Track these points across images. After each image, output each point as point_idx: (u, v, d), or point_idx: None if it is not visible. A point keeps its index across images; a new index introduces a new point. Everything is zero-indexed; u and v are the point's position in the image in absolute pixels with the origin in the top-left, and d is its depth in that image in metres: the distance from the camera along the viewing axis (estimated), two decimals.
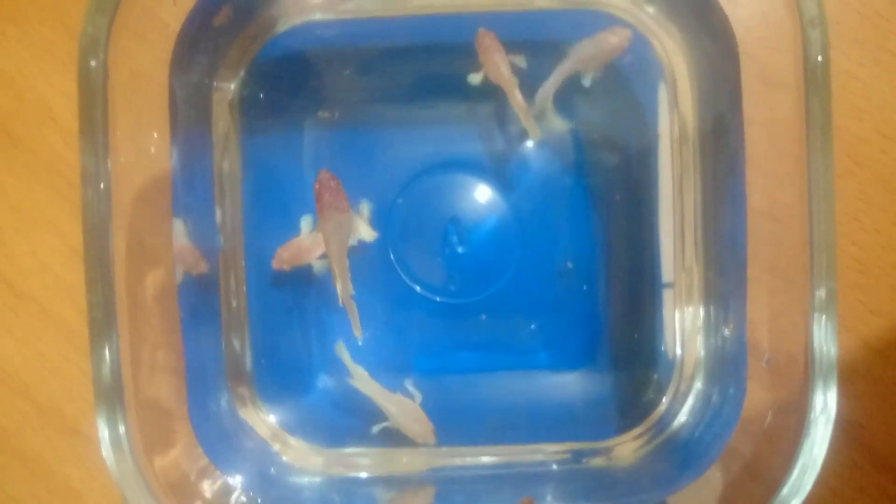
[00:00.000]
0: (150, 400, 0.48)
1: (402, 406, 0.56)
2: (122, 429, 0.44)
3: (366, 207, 0.57)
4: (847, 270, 0.57)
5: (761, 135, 0.50)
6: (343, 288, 0.53)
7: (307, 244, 0.56)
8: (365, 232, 0.56)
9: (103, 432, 0.44)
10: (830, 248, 0.43)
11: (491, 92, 0.57)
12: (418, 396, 0.57)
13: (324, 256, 0.56)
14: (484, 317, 0.59)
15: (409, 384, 0.57)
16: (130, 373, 0.46)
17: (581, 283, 0.59)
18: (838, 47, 0.57)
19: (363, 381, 0.56)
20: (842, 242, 0.57)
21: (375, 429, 0.57)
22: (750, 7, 0.50)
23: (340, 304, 0.54)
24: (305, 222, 0.57)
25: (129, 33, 0.44)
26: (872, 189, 0.57)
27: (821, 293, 0.43)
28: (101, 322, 0.43)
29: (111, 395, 0.43)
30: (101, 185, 0.43)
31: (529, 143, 0.59)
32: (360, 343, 0.56)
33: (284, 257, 0.55)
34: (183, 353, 0.51)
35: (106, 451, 0.44)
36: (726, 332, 0.53)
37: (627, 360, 0.58)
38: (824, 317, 0.43)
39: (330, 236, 0.52)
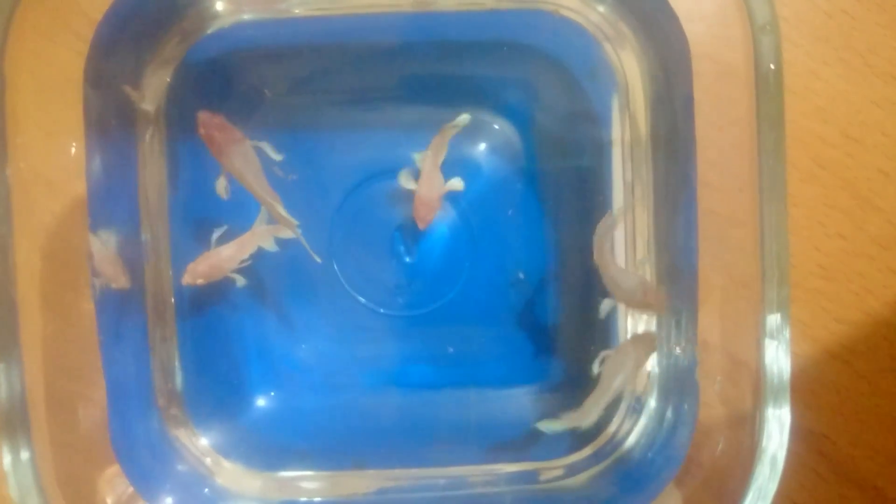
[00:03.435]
0: (65, 425, 0.45)
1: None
2: (25, 455, 0.40)
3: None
4: (810, 276, 0.56)
5: (718, 136, 0.48)
6: (282, 215, 0.50)
7: (226, 254, 0.53)
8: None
9: (6, 461, 0.40)
10: (783, 263, 0.42)
11: (441, 95, 0.55)
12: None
13: (244, 263, 0.53)
14: (451, 349, 0.58)
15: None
16: (42, 396, 0.42)
17: (533, 293, 0.57)
18: (801, 45, 0.55)
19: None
20: (805, 248, 0.56)
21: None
22: (701, 7, 0.47)
23: (289, 236, 0.52)
24: (217, 235, 0.54)
25: (35, 34, 0.41)
26: (837, 193, 0.56)
27: (772, 306, 0.42)
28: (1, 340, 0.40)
29: (14, 421, 0.40)
30: None
31: (481, 147, 0.57)
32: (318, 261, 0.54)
33: (200, 271, 0.52)
34: (103, 373, 0.48)
35: (11, 482, 0.40)
36: (679, 345, 0.51)
37: (581, 375, 0.55)
38: (776, 329, 0.42)
39: (243, 169, 0.49)
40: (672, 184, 0.52)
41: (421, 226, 0.54)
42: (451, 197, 0.57)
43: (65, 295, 0.48)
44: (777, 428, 0.41)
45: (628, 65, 0.55)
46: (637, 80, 0.54)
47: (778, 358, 0.42)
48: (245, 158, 0.49)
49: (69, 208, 0.48)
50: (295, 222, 0.52)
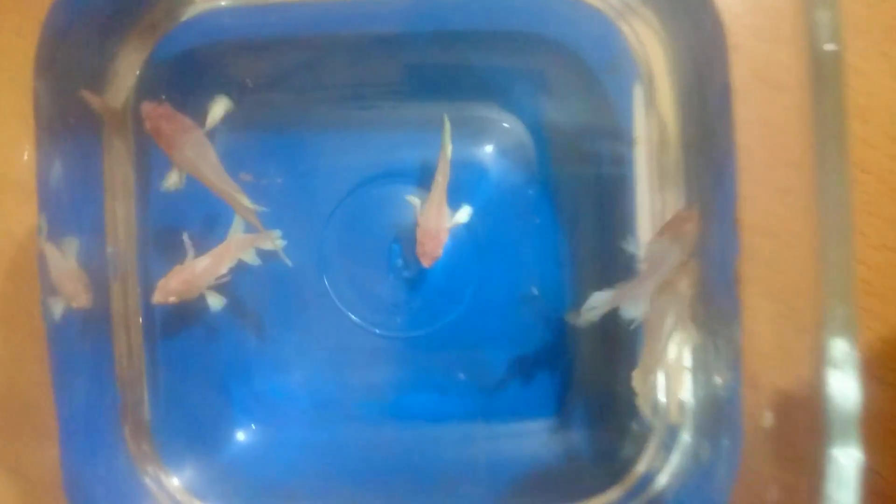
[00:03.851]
0: (12, 466, 0.39)
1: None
2: None
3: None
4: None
5: (755, 140, 0.43)
6: (245, 206, 0.45)
7: (202, 268, 0.47)
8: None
9: None
10: (847, 279, 0.36)
11: (444, 90, 0.51)
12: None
13: (222, 279, 0.48)
14: (462, 375, 0.53)
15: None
16: None
17: (548, 312, 0.53)
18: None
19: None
20: None
21: None
22: None
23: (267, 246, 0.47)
24: (189, 241, 0.48)
25: None
26: (880, 199, 0.51)
27: (835, 328, 0.36)
28: None
29: None
30: None
31: (488, 149, 0.53)
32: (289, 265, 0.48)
33: (172, 287, 0.46)
34: (56, 408, 0.43)
35: None
36: (717, 372, 0.46)
37: (602, 405, 0.52)
38: (840, 355, 0.36)
39: (197, 160, 0.44)
40: (706, 189, 0.47)
41: (426, 262, 0.49)
42: (459, 206, 0.52)
43: (16, 312, 0.43)
44: (845, 471, 0.35)
45: (653, 55, 0.49)
46: (664, 71, 0.49)
47: (844, 388, 0.36)
48: (198, 148, 0.44)
49: (29, 212, 0.43)
50: (271, 230, 0.47)
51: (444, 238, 0.48)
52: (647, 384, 0.47)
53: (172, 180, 0.45)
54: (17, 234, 0.42)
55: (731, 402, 0.43)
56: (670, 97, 0.49)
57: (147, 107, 0.42)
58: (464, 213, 0.49)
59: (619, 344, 0.51)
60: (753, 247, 0.43)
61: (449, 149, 0.49)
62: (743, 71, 0.43)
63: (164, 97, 0.43)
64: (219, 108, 0.45)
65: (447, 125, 0.49)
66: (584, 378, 0.53)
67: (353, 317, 0.53)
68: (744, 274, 0.43)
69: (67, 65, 0.43)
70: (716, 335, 0.46)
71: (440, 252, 0.48)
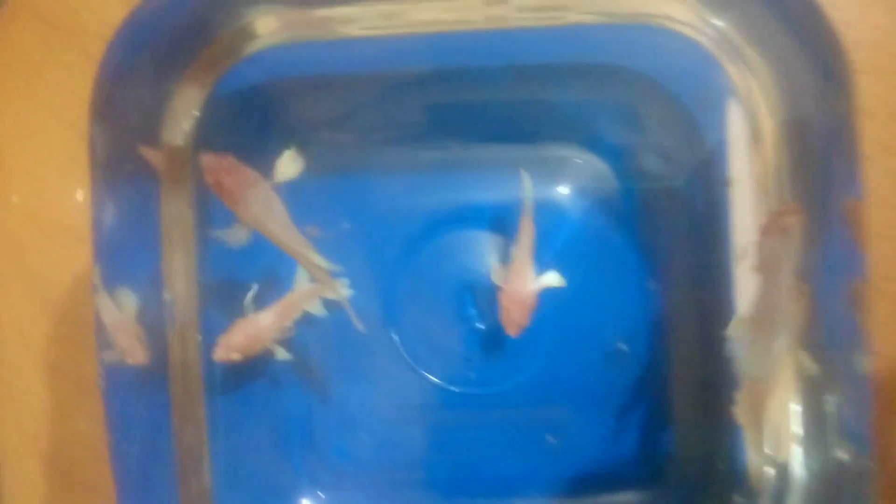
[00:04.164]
0: None
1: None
2: None
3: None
4: None
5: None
6: (317, 266, 0.42)
7: (266, 322, 0.44)
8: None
9: None
10: None
11: (519, 128, 0.48)
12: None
13: (287, 333, 0.45)
14: (552, 438, 0.48)
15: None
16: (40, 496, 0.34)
17: (637, 370, 0.48)
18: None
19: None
20: None
21: None
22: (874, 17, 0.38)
23: (334, 297, 0.43)
24: (251, 291, 0.45)
25: (24, 49, 0.33)
26: None
27: None
28: None
29: None
30: None
31: (567, 191, 0.49)
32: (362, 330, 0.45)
33: (235, 343, 0.43)
34: (112, 471, 0.40)
35: None
36: (839, 439, 0.40)
37: (699, 477, 0.46)
38: None
39: (264, 216, 0.41)
40: (819, 236, 0.41)
41: (513, 332, 0.44)
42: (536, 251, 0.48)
43: (65, 364, 0.41)
44: None
45: (755, 86, 0.44)
46: (767, 104, 0.44)
47: None
48: (265, 203, 0.40)
49: (82, 259, 0.41)
50: (337, 280, 0.44)
51: (533, 304, 0.44)
52: (758, 413, 0.41)
53: (236, 236, 0.42)
54: (67, 281, 0.39)
55: (860, 484, 0.38)
56: (773, 132, 0.44)
57: (208, 159, 0.39)
58: (553, 278, 0.45)
59: (718, 407, 0.45)
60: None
61: (531, 205, 0.45)
62: (873, 101, 0.38)
63: (226, 150, 0.40)
64: (289, 165, 0.41)
65: (527, 180, 0.45)
66: (678, 445, 0.47)
67: (423, 372, 0.49)
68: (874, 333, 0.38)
69: (123, 106, 0.41)
70: (839, 391, 0.40)
71: (528, 320, 0.44)
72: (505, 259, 0.46)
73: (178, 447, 0.45)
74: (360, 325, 0.44)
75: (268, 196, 0.40)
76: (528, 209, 0.45)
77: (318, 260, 0.42)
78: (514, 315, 0.44)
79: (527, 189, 0.45)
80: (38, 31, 0.39)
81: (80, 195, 0.39)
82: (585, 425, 0.48)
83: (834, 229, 0.41)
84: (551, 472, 0.48)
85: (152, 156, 0.42)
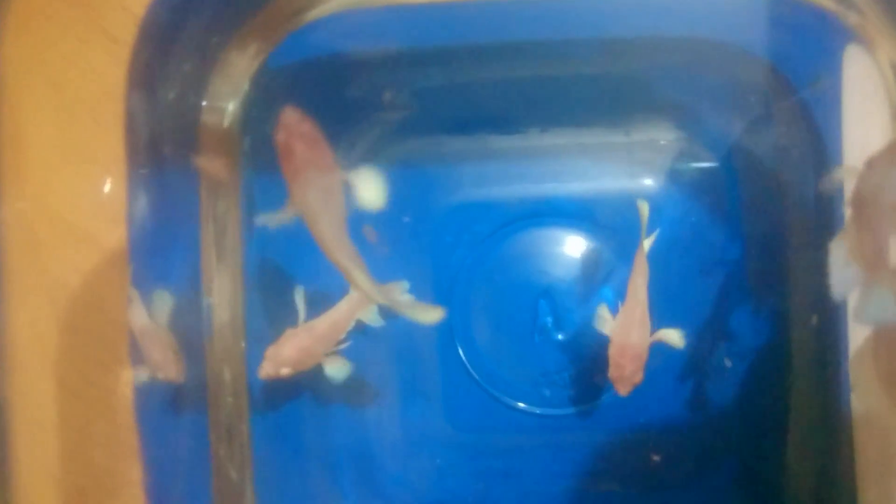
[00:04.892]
0: None
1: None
2: None
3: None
4: None
5: None
6: (366, 284, 0.34)
7: (320, 332, 0.39)
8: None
9: None
10: None
11: (607, 111, 0.44)
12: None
13: (341, 344, 0.40)
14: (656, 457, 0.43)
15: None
16: None
17: (743, 389, 0.43)
18: None
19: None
20: None
21: None
22: None
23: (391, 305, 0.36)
24: (301, 297, 0.39)
25: (50, 30, 0.28)
26: None
27: None
28: None
29: None
30: None
31: (662, 182, 0.44)
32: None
33: (286, 356, 0.38)
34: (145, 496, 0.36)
35: None
36: None
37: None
38: None
39: (318, 212, 0.33)
40: None
41: (624, 391, 0.39)
42: (623, 251, 0.43)
43: (94, 382, 0.37)
44: None
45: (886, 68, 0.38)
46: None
47: None
48: (326, 194, 0.34)
49: (102, 264, 0.36)
50: (396, 284, 0.38)
51: (646, 357, 0.38)
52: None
53: (279, 217, 0.36)
54: (85, 286, 0.34)
55: None
56: None
57: (290, 114, 0.32)
58: (672, 336, 0.39)
59: (837, 433, 0.39)
60: None
61: (647, 240, 0.39)
62: None
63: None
64: (373, 188, 0.34)
65: (645, 210, 0.39)
66: (790, 475, 0.42)
67: (492, 390, 0.44)
68: None
69: (165, 74, 0.35)
70: None
71: (642, 376, 0.38)
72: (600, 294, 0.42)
73: (217, 474, 0.40)
74: (430, 314, 0.37)
75: (333, 188, 0.34)
76: (643, 248, 0.39)
77: (366, 282, 0.35)
78: (627, 371, 0.38)
79: (644, 220, 0.39)
80: (58, 7, 0.34)
81: (108, 187, 0.34)
82: (680, 449, 0.43)
83: None
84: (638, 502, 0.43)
85: (211, 166, 0.37)
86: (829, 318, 0.40)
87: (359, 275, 0.34)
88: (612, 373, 0.38)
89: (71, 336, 0.35)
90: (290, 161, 0.31)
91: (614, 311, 0.40)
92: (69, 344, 0.35)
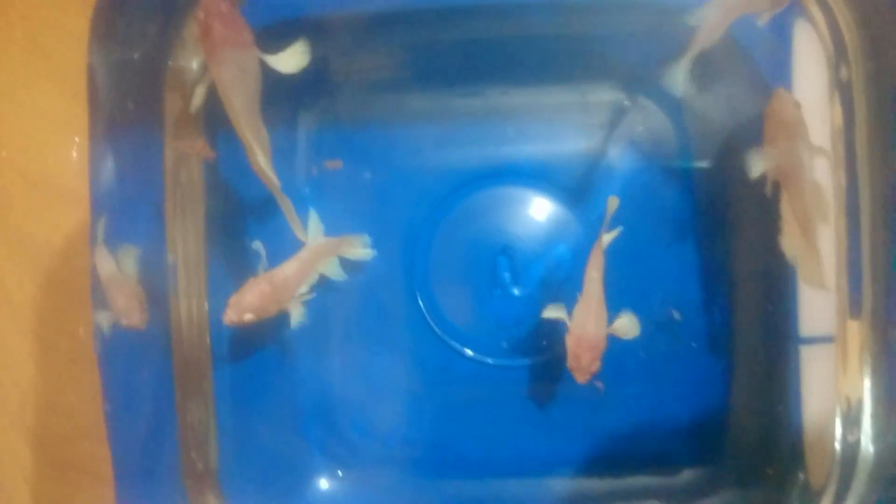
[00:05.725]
0: None
1: None
2: None
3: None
4: None
5: None
6: (263, 164, 0.37)
7: (282, 280, 0.40)
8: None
9: None
10: None
11: (564, 70, 0.44)
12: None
13: (303, 296, 0.41)
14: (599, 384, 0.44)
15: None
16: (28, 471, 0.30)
17: (690, 340, 0.45)
18: None
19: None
20: None
21: None
22: None
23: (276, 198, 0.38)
24: (261, 248, 0.41)
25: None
26: None
27: None
28: None
29: None
30: None
31: (616, 141, 0.45)
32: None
33: (248, 303, 0.39)
34: (109, 446, 0.37)
35: None
36: None
37: (757, 454, 0.43)
38: None
39: (231, 87, 0.35)
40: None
41: (582, 379, 0.40)
42: (578, 210, 0.45)
43: (56, 334, 0.37)
44: None
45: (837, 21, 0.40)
46: (851, 43, 0.39)
47: None
48: (242, 73, 0.35)
49: (71, 219, 0.36)
50: (356, 236, 0.41)
51: (604, 347, 0.39)
52: (807, 243, 0.37)
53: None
54: (59, 243, 0.35)
55: None
56: (860, 73, 0.40)
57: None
58: (628, 324, 0.40)
59: (778, 378, 0.42)
60: None
61: (607, 235, 0.40)
62: None
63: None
64: (295, 55, 0.36)
65: (613, 205, 0.40)
66: (735, 419, 0.44)
67: (451, 341, 0.45)
68: None
69: (125, 35, 0.36)
70: None
71: (599, 365, 0.39)
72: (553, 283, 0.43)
73: (182, 423, 0.41)
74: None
75: (249, 65, 0.35)
76: (602, 241, 0.40)
77: (263, 159, 0.37)
78: (584, 361, 0.39)
79: (608, 214, 0.40)
80: None
81: (76, 151, 0.34)
82: (631, 400, 0.45)
83: None
84: (590, 451, 0.45)
85: (199, 148, 0.38)
86: (775, 269, 0.42)
87: (259, 154, 0.36)
88: (570, 363, 0.40)
89: (46, 290, 0.36)
90: (208, 39, 0.33)
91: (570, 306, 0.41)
92: (44, 297, 0.36)
